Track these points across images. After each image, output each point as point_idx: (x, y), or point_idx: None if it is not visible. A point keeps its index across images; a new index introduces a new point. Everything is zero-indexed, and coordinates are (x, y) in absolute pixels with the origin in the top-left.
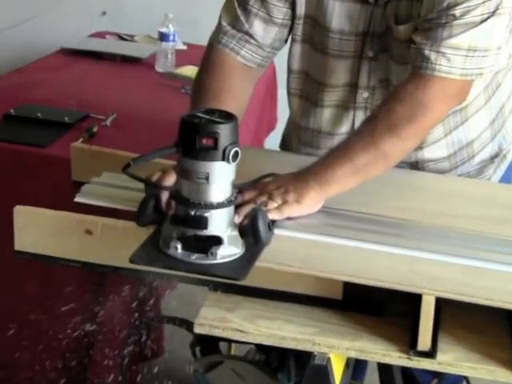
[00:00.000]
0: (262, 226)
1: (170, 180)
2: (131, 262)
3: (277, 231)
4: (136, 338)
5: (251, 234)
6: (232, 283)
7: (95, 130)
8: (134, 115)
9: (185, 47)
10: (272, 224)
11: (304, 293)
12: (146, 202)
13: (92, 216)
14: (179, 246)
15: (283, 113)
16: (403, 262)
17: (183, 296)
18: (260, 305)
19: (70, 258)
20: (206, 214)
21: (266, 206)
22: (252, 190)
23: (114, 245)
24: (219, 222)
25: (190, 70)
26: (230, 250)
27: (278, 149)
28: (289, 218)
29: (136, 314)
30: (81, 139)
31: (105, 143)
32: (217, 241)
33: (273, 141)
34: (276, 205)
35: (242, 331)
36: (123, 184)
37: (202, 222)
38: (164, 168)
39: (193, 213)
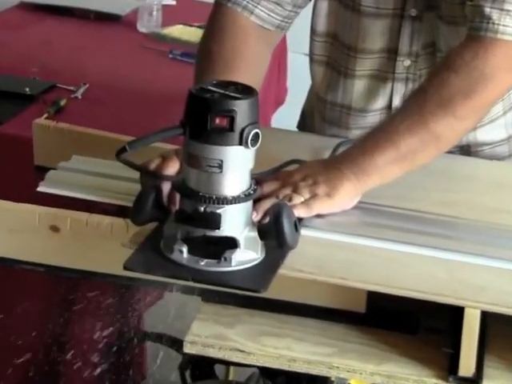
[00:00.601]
0: (286, 226)
1: (173, 168)
2: (126, 268)
3: (303, 232)
4: (112, 361)
5: (273, 235)
6: (230, 292)
7: (63, 103)
8: (110, 85)
9: (174, 2)
10: (299, 223)
11: (319, 305)
12: (143, 195)
13: (59, 209)
14: (185, 250)
15: (294, 83)
16: (443, 268)
17: (170, 308)
18: (265, 319)
19: (32, 261)
20: (218, 211)
21: (290, 200)
22: (273, 180)
23: (87, 245)
24: (234, 221)
25: (180, 31)
26: (247, 255)
27: (292, 128)
28: (318, 216)
29: (112, 331)
30: (45, 115)
31: (75, 120)
32: (231, 243)
33: (281, 118)
34: (303, 199)
35: (242, 351)
36: (98, 170)
37: (214, 221)
38: (164, 153)
39: (202, 209)
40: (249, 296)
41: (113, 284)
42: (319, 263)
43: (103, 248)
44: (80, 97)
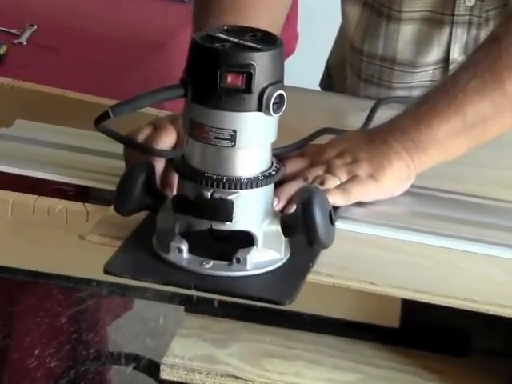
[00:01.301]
0: (319, 217)
1: (168, 141)
2: (107, 272)
3: (338, 224)
4: None
5: (301, 229)
6: (221, 299)
7: (3, 50)
8: (64, 28)
9: None
10: (334, 213)
11: (340, 317)
12: (130, 176)
13: None
14: (185, 248)
15: (306, 27)
16: (502, 269)
17: (143, 320)
18: (269, 335)
19: None
20: (229, 197)
21: (322, 183)
22: (299, 158)
23: (34, 237)
24: (251, 210)
25: None
26: (266, 256)
27: (306, 85)
28: (358, 204)
29: (66, 353)
30: None
31: (18, 72)
32: (246, 240)
33: (291, 72)
34: (339, 182)
35: (238, 378)
36: (49, 139)
37: (224, 210)
38: (156, 121)
39: (208, 194)
40: (246, 305)
41: (67, 289)
42: (343, 263)
43: (55, 242)
44: (25, 42)
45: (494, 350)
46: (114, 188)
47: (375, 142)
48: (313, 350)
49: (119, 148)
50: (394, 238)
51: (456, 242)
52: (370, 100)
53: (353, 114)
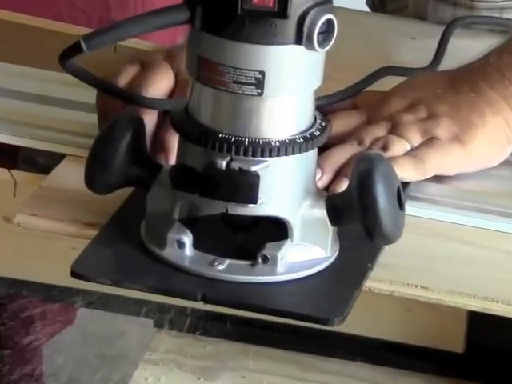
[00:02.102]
0: (382, 198)
1: (161, 85)
2: (76, 275)
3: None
4: None
5: (357, 214)
6: (205, 309)
7: None
8: None
9: None
10: (404, 192)
11: (380, 338)
12: (109, 137)
13: None
14: (188, 241)
15: None
16: None
17: (91, 340)
18: (276, 362)
19: None
20: (254, 168)
21: (386, 149)
22: (351, 111)
23: None
24: (284, 187)
25: None
26: (306, 252)
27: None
28: (437, 179)
29: None
30: None
31: None
32: (277, 230)
33: None
34: (409, 147)
35: None
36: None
37: (246, 187)
38: (144, 57)
39: (224, 164)
40: (241, 318)
41: None
42: (385, 259)
43: None
44: None
45: None
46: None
47: (461, 88)
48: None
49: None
50: (477, 227)
51: None
52: (440, 26)
53: (416, 43)
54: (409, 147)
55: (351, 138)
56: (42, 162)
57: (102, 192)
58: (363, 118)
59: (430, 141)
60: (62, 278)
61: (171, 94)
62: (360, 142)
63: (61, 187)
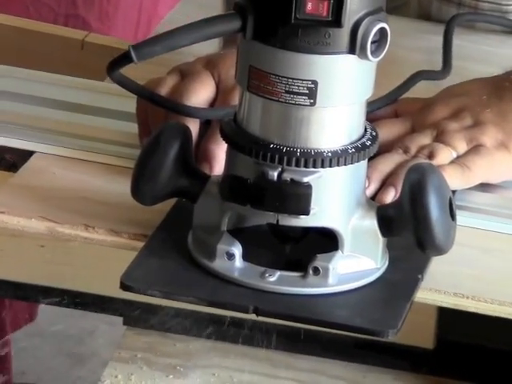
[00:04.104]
0: (435, 208)
1: (203, 94)
2: (125, 287)
3: None
4: None
5: (409, 225)
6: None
7: None
8: None
9: None
10: (453, 201)
11: (348, 334)
12: (157, 147)
13: None
14: (238, 253)
15: None
16: None
17: (58, 338)
18: (248, 359)
19: None
20: (306, 179)
21: (432, 157)
22: (394, 119)
23: None
24: (336, 198)
25: None
26: (357, 264)
27: None
28: (483, 187)
29: None
30: None
31: None
32: (328, 241)
33: None
34: (455, 155)
35: None
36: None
37: (299, 198)
38: (184, 67)
39: (275, 175)
40: (215, 315)
41: None
42: None
43: None
44: None
45: None
46: (127, 164)
47: (505, 95)
48: (311, 381)
49: (125, 105)
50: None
51: None
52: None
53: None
54: (455, 155)
55: (397, 147)
56: (9, 159)
57: (147, 203)
58: (407, 126)
59: (475, 148)
60: (31, 276)
61: (212, 103)
62: (406, 151)
63: (30, 184)
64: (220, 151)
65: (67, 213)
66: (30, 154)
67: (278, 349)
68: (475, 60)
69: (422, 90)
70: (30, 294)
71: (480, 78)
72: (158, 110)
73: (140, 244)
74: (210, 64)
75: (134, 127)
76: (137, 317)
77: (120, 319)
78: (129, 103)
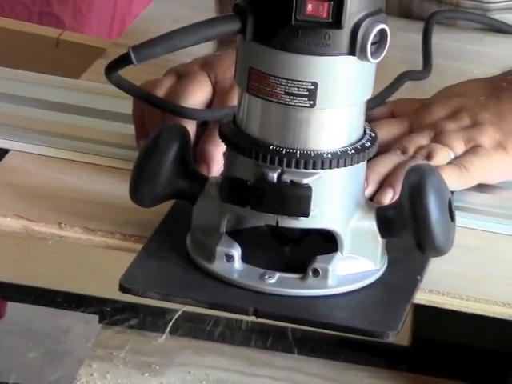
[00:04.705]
0: (435, 210)
1: (200, 95)
2: (124, 289)
3: None
4: None
5: (409, 226)
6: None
7: None
8: None
9: None
10: (452, 202)
11: (324, 331)
12: (156, 148)
13: None
14: (237, 255)
15: None
16: None
17: (30, 336)
18: (224, 357)
19: None
20: (306, 181)
21: (430, 157)
22: (391, 120)
23: None
24: (336, 200)
25: None
26: (356, 265)
27: None
28: (481, 188)
29: None
30: None
31: None
32: (327, 244)
33: None
34: (453, 155)
35: None
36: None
37: (299, 200)
38: (180, 68)
39: (275, 176)
40: (189, 314)
41: None
42: None
43: None
44: None
45: None
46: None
47: (503, 95)
48: (287, 379)
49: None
50: None
51: None
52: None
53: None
54: (453, 155)
55: (394, 147)
56: None
57: (146, 205)
58: (405, 127)
59: (473, 149)
60: (6, 274)
61: (209, 104)
62: (404, 151)
63: (4, 183)
64: (218, 152)
65: (43, 211)
66: (5, 152)
67: (255, 346)
68: (455, 58)
69: (404, 89)
70: (5, 292)
71: (477, 79)
72: (155, 112)
73: (116, 242)
74: (207, 65)
75: (110, 125)
76: (112, 315)
77: (96, 317)
78: (104, 100)
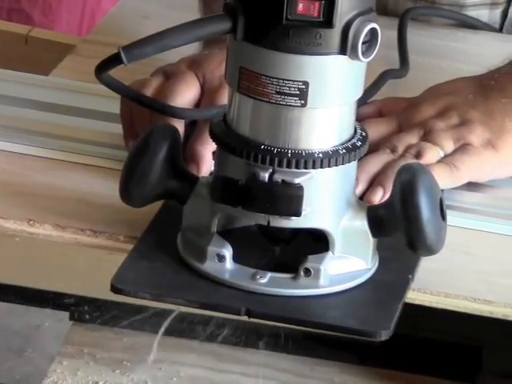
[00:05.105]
0: (426, 209)
1: (187, 95)
2: (116, 290)
3: None
4: None
5: (400, 225)
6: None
7: None
8: None
9: None
10: (443, 201)
11: (296, 328)
12: (146, 148)
13: None
14: (228, 254)
15: None
16: None
17: (8, 333)
18: (192, 353)
19: None
20: (298, 180)
21: (419, 156)
22: (379, 118)
23: None
24: (327, 199)
25: None
26: (348, 264)
27: None
28: (470, 186)
29: None
30: None
31: None
32: (319, 243)
33: None
34: (442, 154)
35: None
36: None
37: (290, 200)
38: (168, 68)
39: (266, 176)
40: (158, 310)
41: None
42: None
43: None
44: None
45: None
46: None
47: (491, 94)
48: (258, 375)
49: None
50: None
51: None
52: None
53: None
54: (442, 154)
55: (384, 146)
56: None
57: (136, 205)
58: (393, 126)
59: (463, 147)
60: None
61: (198, 104)
62: (393, 150)
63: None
64: (207, 152)
65: (12, 208)
66: None
67: (225, 343)
68: (431, 55)
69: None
70: None
71: (465, 77)
72: (144, 111)
73: (86, 239)
74: (194, 64)
75: (80, 121)
76: (83, 312)
77: (66, 314)
78: (75, 97)
